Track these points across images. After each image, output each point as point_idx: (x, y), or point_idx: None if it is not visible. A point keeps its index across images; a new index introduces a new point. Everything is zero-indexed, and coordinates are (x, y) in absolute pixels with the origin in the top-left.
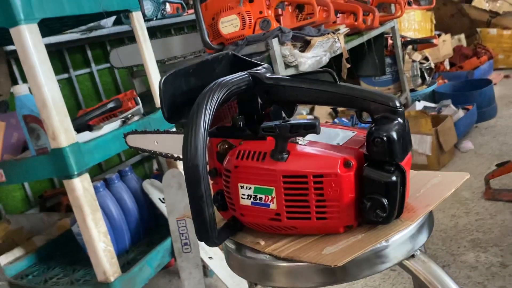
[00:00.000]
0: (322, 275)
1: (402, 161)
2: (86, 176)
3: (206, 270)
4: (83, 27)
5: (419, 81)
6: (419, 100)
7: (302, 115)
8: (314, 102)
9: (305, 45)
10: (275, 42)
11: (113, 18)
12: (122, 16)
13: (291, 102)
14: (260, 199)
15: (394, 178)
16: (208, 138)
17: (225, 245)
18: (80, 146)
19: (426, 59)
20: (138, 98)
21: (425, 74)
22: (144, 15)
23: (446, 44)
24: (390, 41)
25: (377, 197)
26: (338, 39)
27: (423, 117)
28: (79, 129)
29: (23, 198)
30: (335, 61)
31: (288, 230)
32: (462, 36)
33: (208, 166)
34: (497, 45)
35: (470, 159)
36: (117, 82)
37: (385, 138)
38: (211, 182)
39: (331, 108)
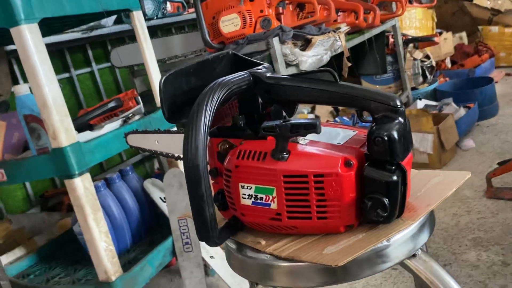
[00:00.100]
0: (323, 275)
1: (403, 160)
2: (87, 176)
3: (207, 269)
4: (84, 27)
5: (420, 79)
6: (420, 99)
7: (303, 114)
8: (314, 102)
9: (306, 44)
10: (275, 41)
11: (113, 17)
12: (123, 15)
13: (292, 101)
14: (261, 198)
15: (395, 177)
16: (208, 137)
17: (226, 244)
18: (81, 145)
19: (428, 57)
20: (139, 98)
21: (427, 72)
22: (144, 14)
23: (447, 42)
24: (391, 40)
25: (378, 196)
26: (339, 37)
27: (424, 115)
28: (80, 128)
29: (24, 197)
30: (336, 59)
31: (288, 229)
32: (464, 34)
33: (208, 166)
34: (498, 43)
35: (472, 157)
36: (118, 81)
37: (385, 138)
38: (211, 181)
39: (332, 107)
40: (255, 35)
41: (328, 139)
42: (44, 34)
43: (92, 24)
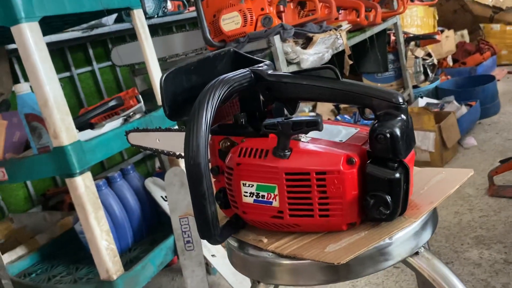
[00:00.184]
0: (325, 272)
1: (406, 157)
2: (88, 175)
3: (209, 268)
4: (85, 25)
5: (422, 77)
6: (421, 97)
7: (304, 112)
8: (316, 99)
9: (307, 42)
10: (276, 39)
11: (114, 16)
12: (123, 13)
13: (293, 99)
14: (263, 196)
15: (397, 175)
16: (210, 135)
17: (228, 243)
18: (82, 144)
19: (429, 55)
20: (140, 96)
21: (428, 71)
22: (145, 13)
23: (449, 40)
24: (392, 38)
25: (380, 194)
26: (340, 35)
27: (426, 113)
28: (81, 127)
29: (26, 197)
30: (337, 58)
31: (290, 227)
32: (465, 32)
33: (210, 164)
34: (500, 41)
35: (474, 155)
36: (119, 80)
37: (388, 135)
38: (213, 180)
39: (333, 105)
40: (256, 33)
41: (330, 136)
42: (44, 33)
43: (92, 22)
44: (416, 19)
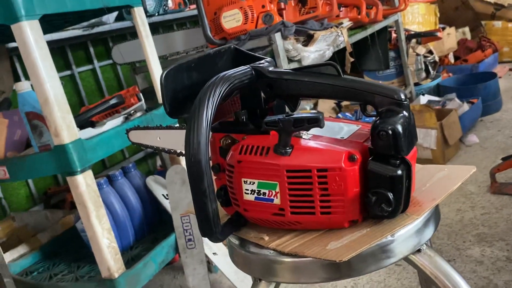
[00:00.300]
0: (327, 270)
1: (408, 154)
2: (89, 173)
3: (210, 266)
4: (85, 24)
5: (423, 74)
6: (423, 94)
7: (305, 110)
8: (317, 96)
9: (308, 39)
10: (278, 36)
11: (115, 14)
12: (124, 11)
13: (294, 96)
14: (264, 194)
15: (399, 171)
16: (210, 133)
17: (229, 240)
18: (83, 142)
19: (430, 52)
20: (141, 94)
21: (429, 68)
22: (146, 11)
23: (450, 37)
24: (394, 35)
25: (382, 191)
26: (341, 33)
27: (428, 111)
28: (81, 125)
29: (28, 195)
30: (339, 55)
31: (292, 225)
32: (467, 29)
33: (211, 162)
34: (502, 38)
35: (475, 153)
36: (120, 78)
37: (390, 131)
38: (214, 177)
39: (334, 103)
40: (257, 31)
41: (332, 133)
42: (45, 31)
43: (93, 21)
44: (417, 16)
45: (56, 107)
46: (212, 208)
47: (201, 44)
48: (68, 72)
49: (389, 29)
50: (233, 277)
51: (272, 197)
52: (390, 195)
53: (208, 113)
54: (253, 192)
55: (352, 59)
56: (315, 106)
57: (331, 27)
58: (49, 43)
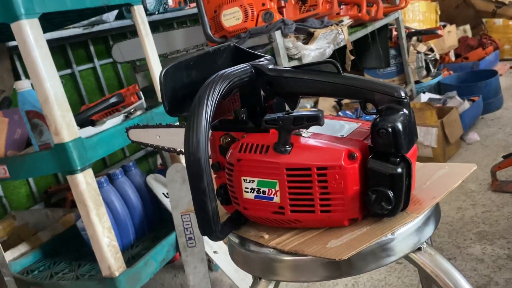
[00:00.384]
0: (327, 268)
1: (408, 152)
2: (90, 171)
3: (211, 264)
4: (85, 22)
5: (424, 72)
6: (424, 92)
7: (305, 108)
8: (317, 94)
9: (309, 37)
10: (278, 34)
11: (115, 12)
12: (124, 10)
13: (294, 94)
14: (264, 192)
15: (399, 169)
16: (210, 131)
17: (229, 239)
18: (83, 141)
19: (431, 50)
20: (141, 93)
21: (430, 66)
22: (146, 9)
23: (451, 35)
24: (394, 33)
25: (382, 189)
26: (342, 30)
27: (428, 109)
28: (82, 124)
29: (28, 194)
30: (339, 53)
31: (292, 223)
32: (468, 26)
33: (210, 160)
34: (503, 36)
35: (476, 150)
36: (120, 77)
37: (390, 129)
38: (213, 176)
39: (335, 101)
40: (257, 29)
41: (331, 131)
42: (45, 30)
43: (93, 19)
44: (418, 14)
45: (56, 106)
46: (212, 206)
47: (201, 42)
48: (68, 71)
49: (390, 27)
50: (234, 276)
51: (272, 196)
52: (390, 193)
53: (207, 111)
54: (253, 191)
55: (352, 57)
56: (316, 104)
57: (332, 25)
58: (49, 41)
